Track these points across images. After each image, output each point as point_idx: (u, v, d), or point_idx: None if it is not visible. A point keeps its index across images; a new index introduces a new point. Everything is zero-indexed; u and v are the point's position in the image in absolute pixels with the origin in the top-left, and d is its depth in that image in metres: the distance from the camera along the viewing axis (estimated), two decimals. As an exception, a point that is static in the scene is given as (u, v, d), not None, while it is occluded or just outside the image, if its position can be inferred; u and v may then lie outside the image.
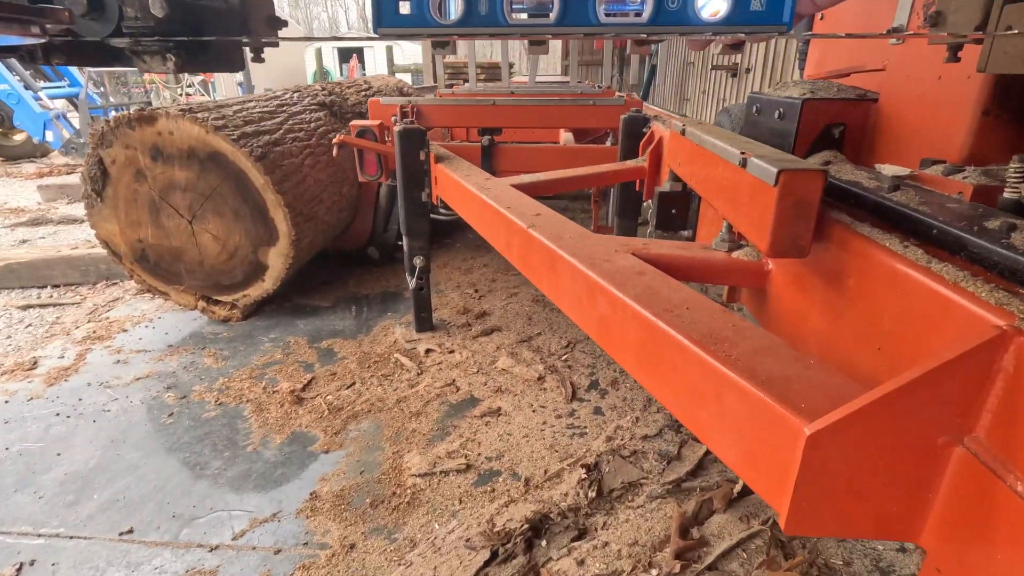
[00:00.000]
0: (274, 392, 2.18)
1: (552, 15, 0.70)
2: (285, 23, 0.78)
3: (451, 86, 5.32)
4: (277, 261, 2.65)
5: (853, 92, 1.12)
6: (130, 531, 1.55)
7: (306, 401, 2.12)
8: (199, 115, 2.40)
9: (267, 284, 2.71)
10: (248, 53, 0.82)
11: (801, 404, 0.61)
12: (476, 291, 3.14)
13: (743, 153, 0.96)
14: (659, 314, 0.86)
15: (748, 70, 6.16)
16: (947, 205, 0.74)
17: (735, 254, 1.14)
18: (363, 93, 4.02)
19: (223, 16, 0.75)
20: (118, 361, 2.46)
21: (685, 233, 1.69)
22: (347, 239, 3.60)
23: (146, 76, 16.26)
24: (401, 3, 0.71)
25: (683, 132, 1.40)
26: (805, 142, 1.10)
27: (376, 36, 0.71)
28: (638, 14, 0.70)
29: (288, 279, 2.77)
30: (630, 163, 2.23)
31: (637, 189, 2.39)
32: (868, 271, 0.76)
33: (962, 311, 0.58)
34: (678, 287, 0.95)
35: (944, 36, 0.72)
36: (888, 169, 0.92)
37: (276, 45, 0.79)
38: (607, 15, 0.69)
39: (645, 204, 2.31)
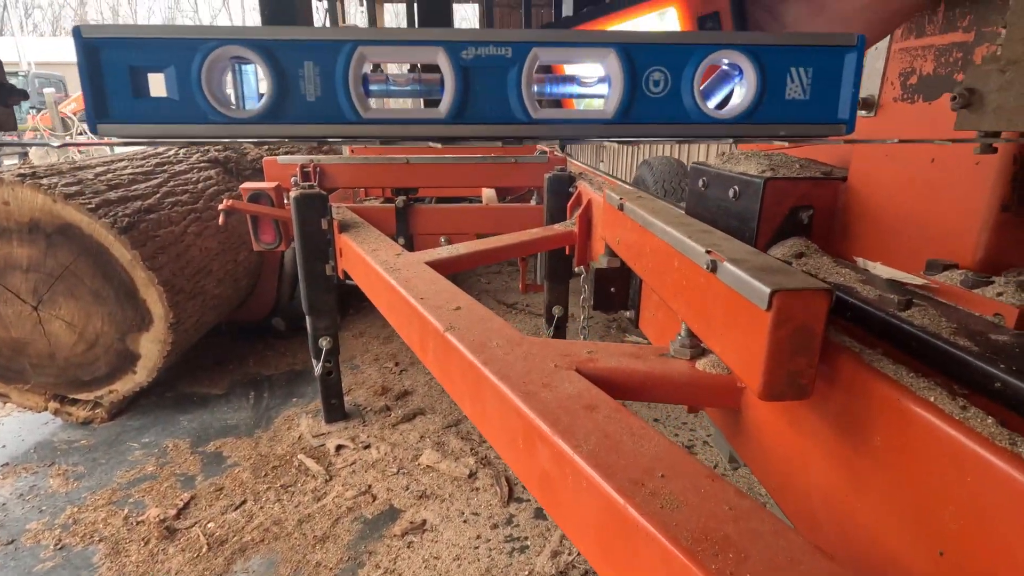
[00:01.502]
0: (139, 523, 1.74)
1: (444, 107, 0.40)
2: (23, 94, 0.48)
3: (366, 137, 5.05)
4: (151, 348, 2.22)
5: (818, 169, 0.97)
6: None
7: (180, 533, 1.70)
8: (44, 181, 1.99)
9: (139, 376, 2.26)
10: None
11: None
12: (397, 364, 2.82)
13: (710, 252, 0.76)
14: (626, 489, 0.62)
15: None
16: (994, 337, 0.57)
17: (700, 364, 0.93)
18: (267, 147, 3.68)
19: None
20: (-72, 492, 1.91)
21: (627, 314, 1.50)
22: (247, 310, 3.18)
23: (29, 121, 14.77)
24: (145, 80, 0.39)
25: (621, 207, 1.21)
26: (769, 228, 0.93)
27: (98, 141, 0.41)
28: (598, 103, 0.42)
29: (168, 366, 2.33)
30: (558, 228, 2.05)
31: (568, 253, 2.21)
32: (906, 434, 0.56)
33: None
34: (644, 433, 0.72)
35: (979, 134, 0.54)
36: (882, 270, 0.75)
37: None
38: (543, 102, 0.42)
39: (577, 269, 2.12)
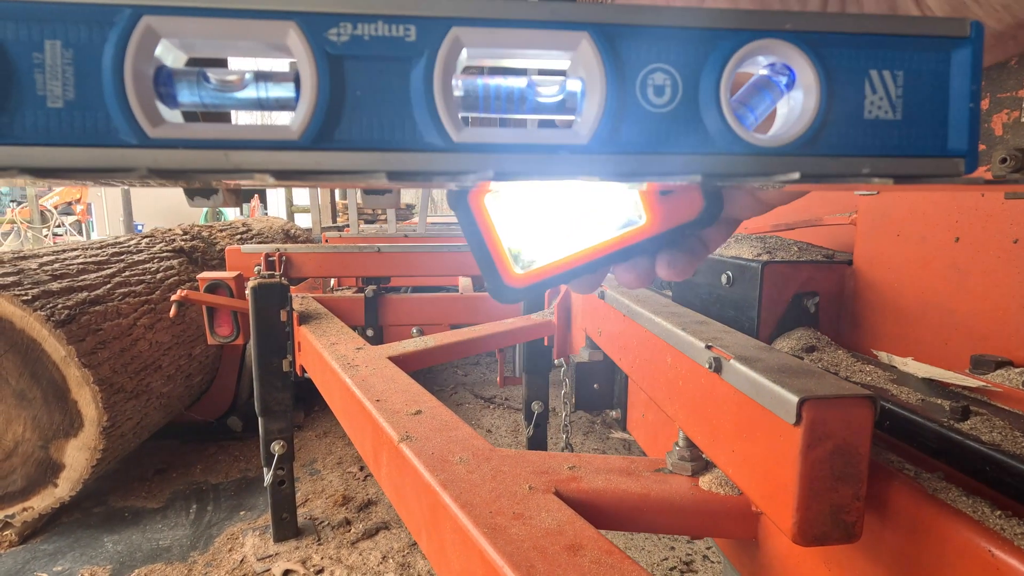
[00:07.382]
0: None
1: (297, 123, 0.22)
2: None
3: (344, 228, 5.04)
4: (78, 457, 1.96)
5: (819, 252, 0.88)
6: None
7: None
8: (-24, 271, 1.83)
9: (61, 490, 1.98)
10: None
11: None
12: (362, 469, 2.55)
13: (711, 348, 0.63)
14: None
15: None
16: (1097, 461, 0.44)
17: (703, 481, 0.77)
18: (239, 237, 3.60)
19: None
20: None
21: (613, 413, 1.34)
22: (201, 408, 2.92)
23: (8, 213, 14.69)
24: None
25: (602, 295, 1.10)
26: (772, 317, 0.82)
27: None
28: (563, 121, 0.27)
29: (99, 476, 2.06)
30: (535, 318, 1.93)
31: (547, 344, 2.08)
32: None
33: None
34: (643, 587, 0.55)
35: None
36: (915, 367, 0.64)
37: None
38: (471, 118, 0.26)
39: (557, 361, 1.98)
